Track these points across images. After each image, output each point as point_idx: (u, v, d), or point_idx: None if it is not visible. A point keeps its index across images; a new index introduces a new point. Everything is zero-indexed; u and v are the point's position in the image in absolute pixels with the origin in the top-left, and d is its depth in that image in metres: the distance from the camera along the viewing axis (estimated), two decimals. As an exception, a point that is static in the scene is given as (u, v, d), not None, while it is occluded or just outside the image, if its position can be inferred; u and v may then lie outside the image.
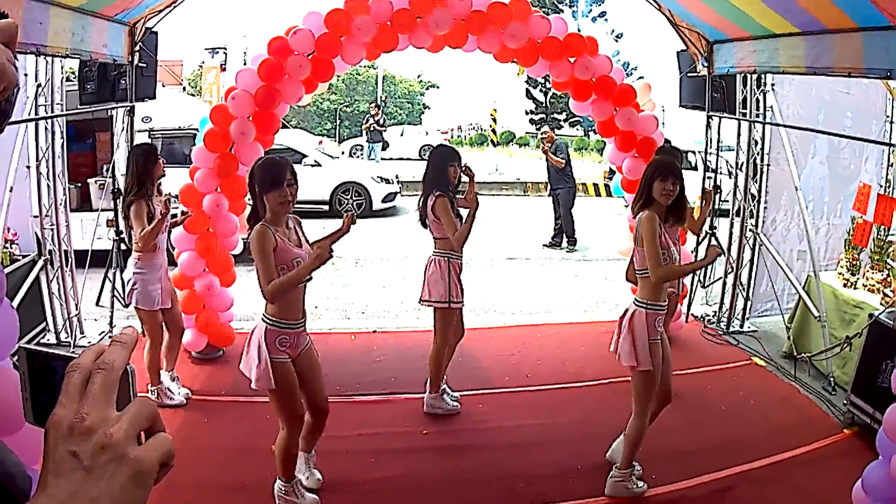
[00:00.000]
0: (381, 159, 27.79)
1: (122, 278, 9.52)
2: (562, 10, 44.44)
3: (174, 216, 7.75)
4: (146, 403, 1.07)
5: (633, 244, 5.83)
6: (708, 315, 10.80)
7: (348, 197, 20.61)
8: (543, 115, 48.28)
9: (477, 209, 6.81)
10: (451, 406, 7.53)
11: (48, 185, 8.67)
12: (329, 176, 20.45)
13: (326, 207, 20.43)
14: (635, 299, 5.88)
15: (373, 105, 29.20)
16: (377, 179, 21.17)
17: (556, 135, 17.96)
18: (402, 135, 40.13)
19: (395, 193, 21.30)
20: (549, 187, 17.36)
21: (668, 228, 5.72)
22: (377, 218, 20.16)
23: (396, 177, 22.39)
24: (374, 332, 10.19)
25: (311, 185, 19.54)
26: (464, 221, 6.92)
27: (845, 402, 7.48)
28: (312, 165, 20.42)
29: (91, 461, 0.99)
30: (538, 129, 47.44)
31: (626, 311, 5.90)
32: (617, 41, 46.55)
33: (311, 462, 6.06)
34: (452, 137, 49.23)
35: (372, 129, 27.46)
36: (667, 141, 9.40)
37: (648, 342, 5.73)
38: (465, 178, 7.24)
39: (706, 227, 9.89)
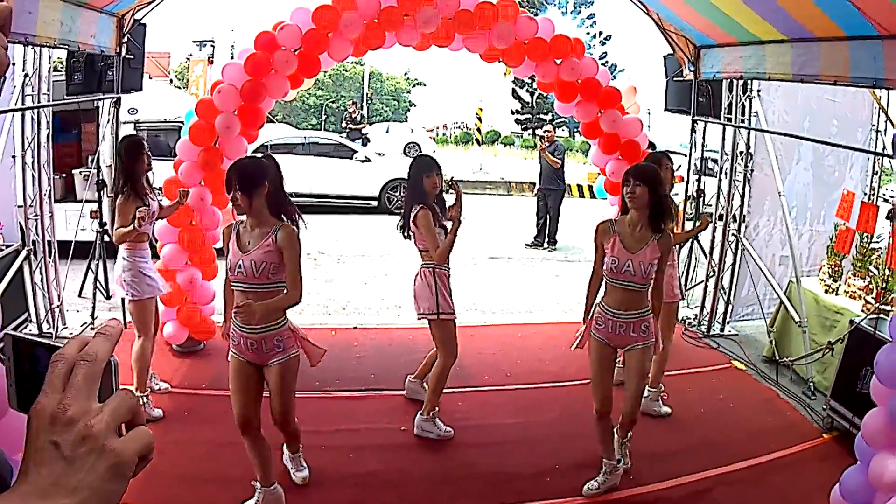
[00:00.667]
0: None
1: (104, 270, 9.52)
2: (546, 7, 44.47)
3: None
4: (128, 396, 1.08)
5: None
6: (689, 318, 10.84)
7: (397, 193, 20.54)
8: (529, 115, 48.37)
9: (459, 226, 6.79)
10: (445, 432, 7.22)
11: (33, 176, 8.66)
12: (379, 172, 20.55)
13: (375, 203, 20.60)
14: None
15: (351, 102, 28.14)
16: None
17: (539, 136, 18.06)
18: (387, 132, 40.12)
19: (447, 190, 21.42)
20: (537, 187, 17.39)
21: (630, 235, 5.75)
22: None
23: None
24: (356, 328, 10.18)
25: (360, 181, 20.31)
26: (447, 235, 6.84)
27: (825, 406, 7.52)
28: (363, 161, 20.62)
29: (71, 452, 1.00)
30: (524, 130, 47.62)
31: None
32: (604, 44, 46.65)
33: (298, 459, 6.06)
34: (438, 136, 49.27)
35: (350, 126, 26.51)
36: (651, 145, 9.44)
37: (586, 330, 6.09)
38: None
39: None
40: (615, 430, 6.21)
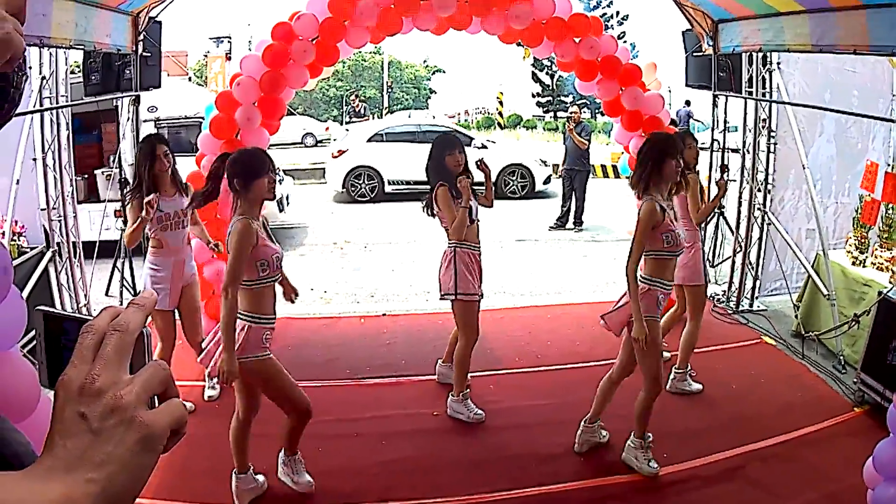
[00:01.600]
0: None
1: (130, 268, 9.54)
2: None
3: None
4: (160, 367, 1.05)
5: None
6: (717, 294, 10.80)
7: (514, 178, 20.84)
8: (550, 98, 48.25)
9: (490, 206, 6.83)
10: (476, 414, 7.22)
11: (55, 177, 8.67)
12: (496, 158, 20.29)
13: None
14: (641, 276, 5.96)
15: (352, 94, 26.01)
16: (539, 162, 21.54)
17: (562, 118, 18.05)
18: (409, 118, 40.16)
19: (551, 176, 21.46)
20: (562, 168, 17.36)
21: (671, 201, 5.74)
22: (538, 199, 20.67)
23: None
24: (384, 315, 10.19)
25: None
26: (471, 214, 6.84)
27: (855, 380, 7.46)
28: (479, 148, 20.61)
29: (99, 423, 0.97)
30: (545, 112, 47.52)
31: None
32: (621, 24, 46.44)
33: (299, 464, 5.98)
34: (459, 121, 49.19)
35: (353, 118, 24.47)
36: (673, 122, 9.41)
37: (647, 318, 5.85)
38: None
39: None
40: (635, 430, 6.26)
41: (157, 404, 1.04)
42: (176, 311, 7.23)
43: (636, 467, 6.16)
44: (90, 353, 1.01)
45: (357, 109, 24.75)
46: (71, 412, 0.97)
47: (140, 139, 7.88)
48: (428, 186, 6.97)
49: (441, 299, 7.20)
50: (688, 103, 23.04)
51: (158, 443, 1.01)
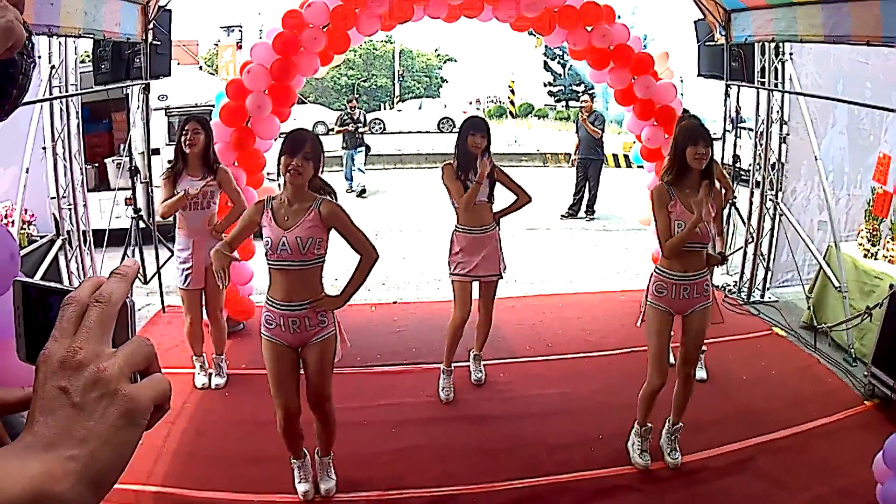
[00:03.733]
0: (363, 168, 21.20)
1: (141, 256, 9.55)
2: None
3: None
4: (143, 343, 1.03)
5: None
6: (729, 285, 10.79)
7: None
8: (562, 87, 48.24)
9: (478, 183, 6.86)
10: (443, 391, 7.46)
11: (65, 166, 8.69)
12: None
13: None
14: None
15: (349, 101, 21.53)
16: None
17: (574, 107, 17.99)
18: (420, 108, 40.13)
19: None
20: (576, 157, 17.50)
21: (692, 197, 5.66)
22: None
23: None
24: (395, 303, 10.26)
25: None
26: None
27: (865, 373, 7.44)
28: None
29: (81, 397, 0.94)
30: (557, 101, 47.51)
31: None
32: (632, 14, 46.36)
33: (327, 466, 5.92)
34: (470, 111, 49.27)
35: (348, 130, 20.58)
36: (685, 111, 9.38)
37: (646, 302, 5.93)
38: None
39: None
40: (668, 420, 6.24)
41: (138, 381, 1.02)
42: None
43: (630, 456, 6.18)
44: (72, 325, 0.99)
45: (356, 117, 20.61)
46: (52, 387, 0.94)
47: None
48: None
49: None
50: (738, 110, 23.16)
51: (142, 417, 0.98)
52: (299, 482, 5.72)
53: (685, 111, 9.16)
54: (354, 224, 5.33)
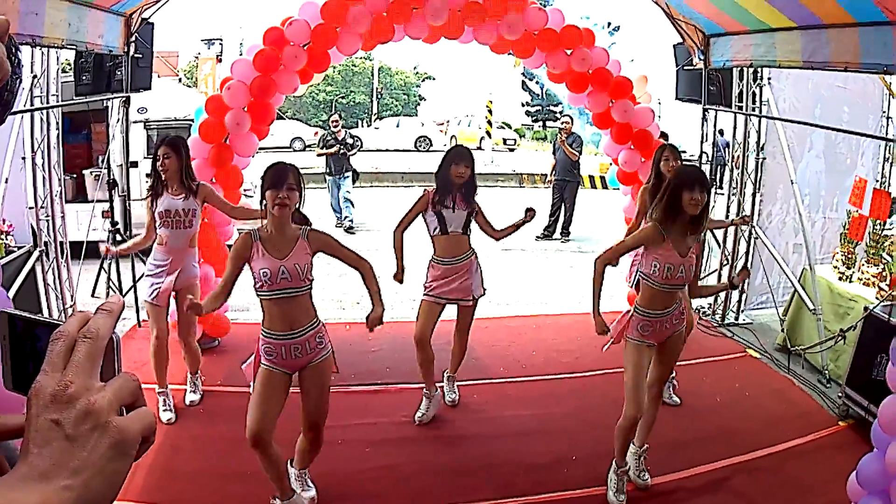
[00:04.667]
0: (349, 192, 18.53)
1: (117, 269, 9.53)
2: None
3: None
4: (130, 378, 1.05)
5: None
6: (703, 307, 10.82)
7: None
8: (539, 107, 48.41)
9: (495, 237, 7.53)
10: (421, 416, 7.46)
11: (43, 177, 8.65)
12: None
13: None
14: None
15: (332, 120, 18.69)
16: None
17: (551, 127, 17.97)
18: (397, 126, 40.16)
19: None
20: (552, 178, 17.51)
21: (681, 240, 5.68)
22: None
23: None
24: (370, 322, 10.13)
25: None
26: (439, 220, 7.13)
27: (840, 394, 7.51)
28: None
29: (74, 429, 0.98)
30: (534, 122, 47.64)
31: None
32: (612, 35, 46.52)
33: (304, 478, 5.94)
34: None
35: (332, 153, 17.94)
36: (663, 135, 9.44)
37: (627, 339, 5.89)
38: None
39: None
40: (632, 443, 6.21)
41: (124, 415, 1.04)
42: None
43: (608, 492, 6.12)
44: (61, 360, 1.02)
45: (342, 138, 17.83)
46: (45, 420, 0.98)
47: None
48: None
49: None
50: (721, 132, 23.20)
51: (131, 448, 1.01)
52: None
53: (663, 134, 9.23)
54: (340, 243, 5.49)
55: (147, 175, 7.93)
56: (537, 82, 47.39)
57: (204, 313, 5.08)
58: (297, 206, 5.24)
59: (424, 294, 7.24)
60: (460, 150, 7.22)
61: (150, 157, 7.43)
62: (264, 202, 5.14)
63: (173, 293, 7.21)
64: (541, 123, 48.80)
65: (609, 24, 46.46)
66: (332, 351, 5.58)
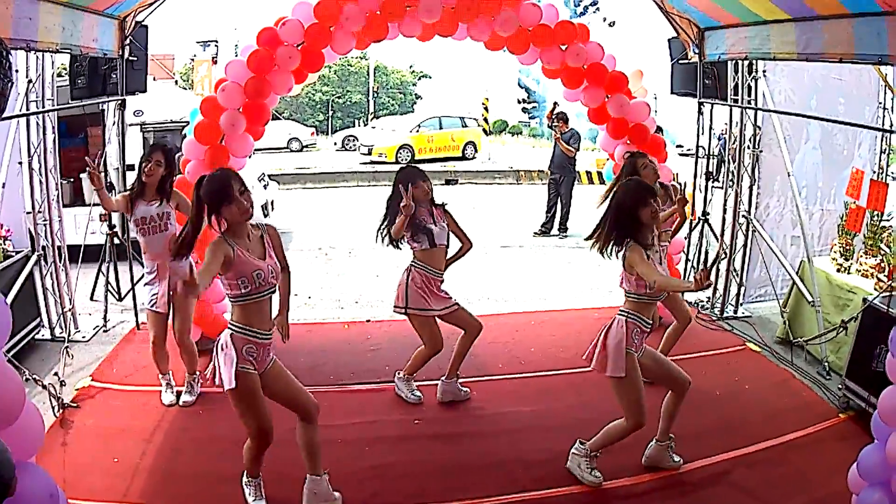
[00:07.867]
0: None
1: (115, 272, 9.53)
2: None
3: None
4: None
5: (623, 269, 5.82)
6: (702, 301, 10.83)
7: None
8: (535, 104, 48.36)
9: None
10: (414, 394, 7.70)
11: (40, 181, 8.67)
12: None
13: None
14: (620, 310, 5.93)
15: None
16: None
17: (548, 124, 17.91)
18: (393, 131, 40.15)
19: None
20: (549, 174, 17.45)
21: (654, 249, 5.71)
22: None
23: None
24: (368, 321, 10.19)
25: None
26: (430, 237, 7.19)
27: (840, 386, 7.51)
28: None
29: None
30: (531, 118, 47.59)
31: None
32: (611, 27, 46.43)
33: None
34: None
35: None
36: (659, 129, 9.44)
37: (625, 350, 5.79)
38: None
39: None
40: (661, 434, 6.30)
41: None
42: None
43: (578, 476, 6.16)
44: None
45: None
46: None
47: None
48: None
49: (393, 311, 7.49)
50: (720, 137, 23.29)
51: None
52: (255, 500, 5.74)
53: (659, 129, 9.22)
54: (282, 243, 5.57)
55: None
56: (534, 79, 47.35)
57: (201, 290, 5.03)
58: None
59: (414, 308, 7.25)
60: (411, 171, 7.33)
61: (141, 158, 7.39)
62: (221, 218, 5.17)
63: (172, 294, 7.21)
64: (537, 120, 48.71)
65: (605, 18, 46.40)
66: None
